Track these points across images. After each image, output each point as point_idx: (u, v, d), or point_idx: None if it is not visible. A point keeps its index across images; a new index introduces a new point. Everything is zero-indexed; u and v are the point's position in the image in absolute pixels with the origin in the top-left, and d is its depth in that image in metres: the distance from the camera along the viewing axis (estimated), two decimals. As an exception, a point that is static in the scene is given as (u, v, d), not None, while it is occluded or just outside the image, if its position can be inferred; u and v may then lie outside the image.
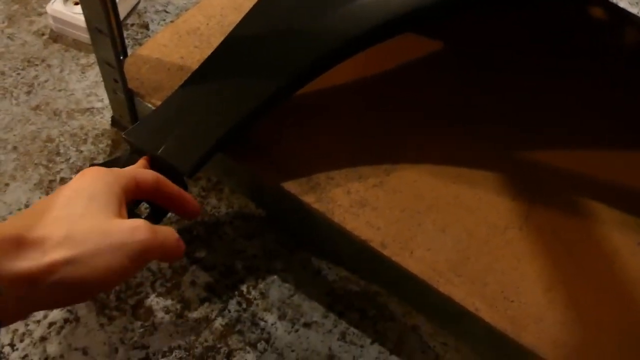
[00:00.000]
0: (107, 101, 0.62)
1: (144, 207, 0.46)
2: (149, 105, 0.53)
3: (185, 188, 0.46)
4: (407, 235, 0.49)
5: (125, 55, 0.54)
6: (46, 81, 0.63)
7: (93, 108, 0.61)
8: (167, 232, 0.35)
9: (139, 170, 0.39)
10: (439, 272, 0.47)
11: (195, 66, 0.55)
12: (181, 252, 0.37)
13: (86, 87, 0.63)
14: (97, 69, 0.65)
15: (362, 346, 0.50)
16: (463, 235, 0.49)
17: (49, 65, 0.64)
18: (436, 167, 0.54)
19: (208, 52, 0.51)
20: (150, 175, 0.39)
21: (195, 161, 0.44)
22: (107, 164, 0.46)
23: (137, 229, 0.32)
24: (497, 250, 0.49)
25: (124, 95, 0.52)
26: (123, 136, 0.46)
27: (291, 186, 0.49)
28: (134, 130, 0.46)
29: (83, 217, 0.31)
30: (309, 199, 0.49)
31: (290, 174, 0.50)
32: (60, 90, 0.62)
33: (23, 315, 0.30)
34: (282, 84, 0.47)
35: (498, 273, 0.48)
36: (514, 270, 0.48)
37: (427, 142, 0.55)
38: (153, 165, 0.45)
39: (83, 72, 0.65)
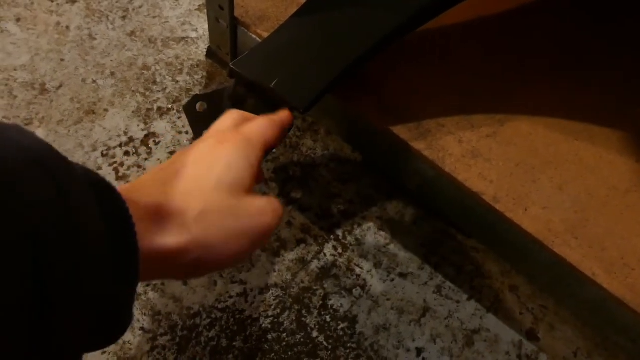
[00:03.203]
0: (201, 31, 0.60)
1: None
2: (253, 35, 0.50)
3: (292, 124, 0.44)
4: (522, 191, 0.46)
5: (229, -19, 0.52)
6: (140, 7, 0.61)
7: (188, 38, 0.60)
8: (280, 210, 0.34)
9: (269, 134, 0.36)
10: (554, 233, 0.44)
11: (301, -3, 0.52)
12: None
13: (180, 15, 0.61)
14: (190, -4, 0.63)
15: (458, 302, 0.49)
16: (582, 196, 0.46)
17: (143, -10, 0.63)
18: (553, 120, 0.50)
19: (315, -18, 0.47)
20: (277, 134, 0.37)
21: (312, 97, 0.41)
22: (210, 96, 0.44)
23: (264, 213, 0.31)
24: (617, 213, 0.46)
25: (228, 24, 0.50)
26: (231, 67, 0.44)
27: (400, 131, 0.47)
28: (243, 61, 0.44)
29: (217, 190, 0.30)
30: (419, 145, 0.46)
31: (398, 118, 0.48)
32: (154, 17, 0.61)
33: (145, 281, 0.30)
34: (403, 20, 0.43)
35: (618, 238, 0.45)
36: (636, 236, 0.45)
37: (544, 93, 0.51)
38: (261, 96, 0.43)
39: (176, 0, 0.63)
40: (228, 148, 0.32)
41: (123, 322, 0.23)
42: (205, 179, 0.30)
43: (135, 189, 0.28)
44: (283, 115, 0.39)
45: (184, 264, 0.28)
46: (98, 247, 0.21)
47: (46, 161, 0.20)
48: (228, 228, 0.29)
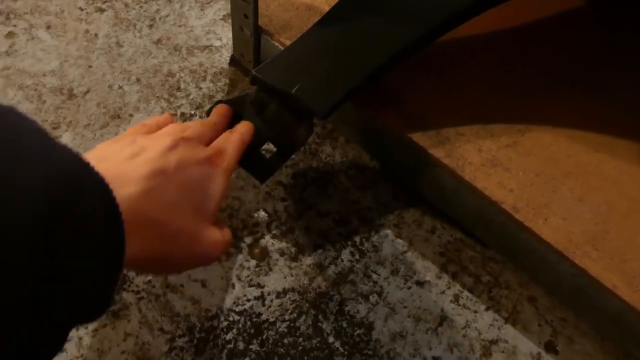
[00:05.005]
0: (225, 40, 0.62)
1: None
2: (276, 44, 0.51)
3: (312, 129, 0.45)
4: (541, 201, 0.45)
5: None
6: (167, 16, 0.63)
7: (212, 46, 0.61)
8: (229, 244, 0.36)
9: (235, 152, 0.38)
10: (575, 243, 0.44)
11: (323, 6, 0.53)
12: None
13: (205, 25, 0.63)
14: (215, 6, 0.65)
15: (475, 311, 0.49)
16: (602, 207, 0.46)
17: (169, 0, 0.64)
18: (574, 132, 0.50)
19: (338, -8, 0.48)
20: (237, 146, 0.39)
21: (332, 104, 0.42)
22: (233, 102, 0.45)
23: (216, 247, 0.34)
24: (639, 226, 0.45)
25: (252, 32, 0.51)
26: (253, 73, 0.45)
27: (420, 138, 0.47)
28: (265, 68, 0.45)
29: (194, 216, 0.32)
30: (438, 153, 0.47)
31: (417, 125, 0.48)
32: (180, 26, 0.62)
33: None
34: (425, 31, 0.44)
35: (639, 250, 0.44)
36: (658, 249, 0.44)
37: (565, 104, 0.51)
38: (282, 102, 0.44)
39: (202, 9, 0.64)
40: (218, 178, 0.34)
41: (106, 303, 0.25)
42: (190, 201, 0.32)
43: (115, 180, 0.27)
44: (246, 130, 0.41)
45: (138, 267, 0.32)
46: (95, 235, 0.22)
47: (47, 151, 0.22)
48: (184, 254, 0.32)
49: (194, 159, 0.33)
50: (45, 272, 0.19)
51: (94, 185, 0.23)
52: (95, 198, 0.23)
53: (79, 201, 0.21)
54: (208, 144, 0.38)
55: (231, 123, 0.45)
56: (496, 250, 0.51)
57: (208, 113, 0.45)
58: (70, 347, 0.43)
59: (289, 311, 0.47)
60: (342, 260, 0.50)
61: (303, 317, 0.46)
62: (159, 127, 0.38)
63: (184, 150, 0.33)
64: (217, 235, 0.34)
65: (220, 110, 0.42)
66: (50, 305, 0.20)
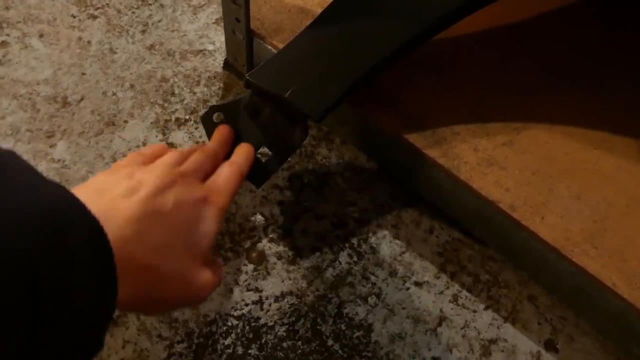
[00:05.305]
0: (218, 44, 0.61)
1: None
2: (269, 47, 0.51)
3: (307, 132, 0.45)
4: (539, 199, 0.45)
5: (245, -6, 0.53)
6: (160, 21, 0.63)
7: (205, 50, 0.61)
8: (219, 283, 0.35)
9: (231, 190, 0.37)
10: (573, 242, 0.43)
11: (316, 9, 0.53)
12: None
13: (198, 29, 0.63)
14: (208, 10, 0.64)
15: (474, 311, 0.48)
16: (601, 205, 0.45)
17: (162, 5, 0.64)
18: (570, 129, 0.49)
19: (330, -7, 0.48)
20: (236, 184, 0.38)
21: (326, 106, 0.42)
22: (227, 106, 0.45)
23: (206, 287, 0.33)
24: (638, 224, 0.45)
25: (244, 36, 0.51)
26: (247, 78, 0.45)
27: (415, 139, 0.47)
28: (258, 72, 0.45)
29: (185, 256, 0.31)
30: (433, 153, 0.46)
31: (413, 126, 0.48)
32: (173, 31, 0.62)
33: None
34: (419, 30, 0.43)
35: (639, 249, 0.44)
36: (657, 246, 0.44)
37: (561, 101, 0.51)
38: (277, 106, 0.44)
39: (195, 14, 0.64)
40: (212, 218, 0.33)
41: (95, 347, 0.24)
42: (182, 243, 0.31)
43: (109, 219, 0.26)
44: (244, 161, 0.40)
45: (126, 309, 0.33)
46: (86, 278, 0.22)
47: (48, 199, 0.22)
48: (175, 295, 0.31)
49: (190, 198, 0.32)
50: (29, 313, 0.19)
51: (86, 226, 0.23)
52: (86, 240, 0.22)
53: (69, 242, 0.21)
54: (206, 173, 0.37)
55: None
56: (495, 249, 0.51)
57: (203, 118, 0.45)
58: (68, 356, 0.43)
59: (288, 315, 0.46)
60: (340, 263, 0.49)
61: (302, 320, 0.46)
62: (155, 157, 0.37)
63: (180, 189, 0.32)
64: (208, 276, 0.33)
65: (223, 133, 0.42)
66: (37, 349, 0.19)
